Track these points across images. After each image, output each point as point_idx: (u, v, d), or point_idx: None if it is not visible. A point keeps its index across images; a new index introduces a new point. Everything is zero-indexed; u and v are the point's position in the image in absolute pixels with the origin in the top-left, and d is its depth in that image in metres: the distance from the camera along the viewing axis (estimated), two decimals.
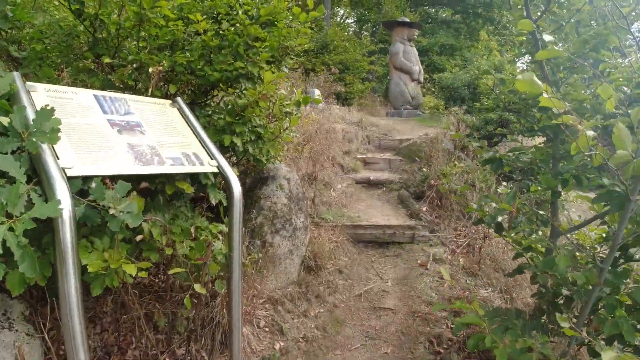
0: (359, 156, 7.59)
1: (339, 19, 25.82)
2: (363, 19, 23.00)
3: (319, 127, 7.20)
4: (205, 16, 3.05)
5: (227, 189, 2.34)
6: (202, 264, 2.32)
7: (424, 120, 11.57)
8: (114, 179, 2.02)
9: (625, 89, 2.17)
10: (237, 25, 2.87)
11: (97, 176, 1.95)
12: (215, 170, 2.34)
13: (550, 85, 1.77)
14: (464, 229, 5.43)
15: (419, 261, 4.65)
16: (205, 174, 2.52)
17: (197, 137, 2.48)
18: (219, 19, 3.11)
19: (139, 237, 2.17)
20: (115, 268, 2.07)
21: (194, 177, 2.57)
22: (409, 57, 12.65)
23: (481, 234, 5.18)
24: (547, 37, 1.88)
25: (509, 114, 6.64)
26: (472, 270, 4.59)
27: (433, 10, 22.06)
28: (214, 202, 2.54)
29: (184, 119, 2.57)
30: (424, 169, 6.22)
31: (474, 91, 11.46)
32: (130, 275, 2.05)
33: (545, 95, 1.39)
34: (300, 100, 3.34)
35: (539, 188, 3.19)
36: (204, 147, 2.43)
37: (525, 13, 2.42)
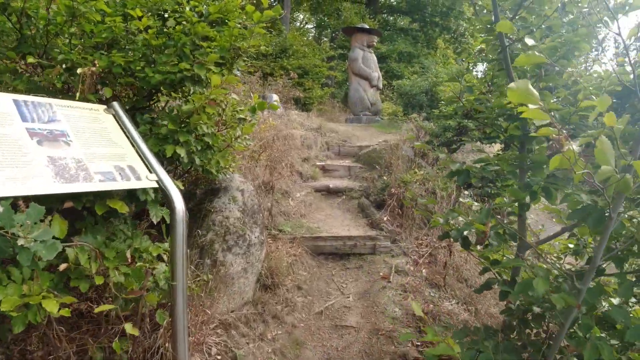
0: (318, 163, 7.38)
1: (298, 24, 25.71)
2: (322, 25, 22.98)
3: (276, 133, 6.95)
4: (150, 13, 2.75)
5: (168, 206, 2.06)
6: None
7: (383, 126, 11.55)
8: (30, 199, 1.71)
9: (595, 98, 2.06)
10: (184, 23, 2.59)
11: (7, 198, 1.63)
12: (155, 185, 2.06)
13: None
14: (425, 237, 5.32)
15: (381, 274, 4.48)
16: (144, 189, 2.22)
17: (134, 147, 2.18)
18: (165, 16, 2.81)
19: (62, 266, 1.85)
20: (36, 303, 1.76)
21: (132, 192, 2.27)
22: (368, 63, 12.62)
23: (443, 243, 5.09)
24: (529, 41, 1.73)
25: (467, 121, 6.64)
26: (435, 281, 4.47)
27: (391, 18, 22.32)
28: (155, 220, 2.25)
29: (120, 126, 2.26)
30: (384, 177, 6.09)
31: (432, 98, 11.57)
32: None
33: (532, 106, 1.22)
34: (256, 105, 3.13)
35: (505, 200, 3.09)
36: (142, 159, 2.14)
37: (493, 18, 2.28)
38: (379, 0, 21.58)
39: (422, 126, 7.80)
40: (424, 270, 4.61)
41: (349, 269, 4.62)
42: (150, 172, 2.07)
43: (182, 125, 2.45)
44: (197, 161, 2.54)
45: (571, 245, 2.90)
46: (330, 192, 6.50)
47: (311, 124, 9.57)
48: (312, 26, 28.21)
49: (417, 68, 18.53)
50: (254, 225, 3.52)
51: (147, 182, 2.03)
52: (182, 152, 2.36)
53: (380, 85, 13.12)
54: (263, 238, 3.67)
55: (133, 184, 1.98)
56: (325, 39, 25.36)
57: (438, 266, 4.73)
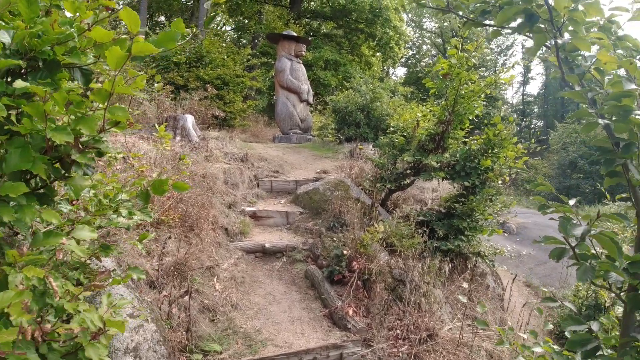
0: (247, 209, 5.86)
1: (214, 25, 23.70)
2: (242, 27, 21.20)
3: (192, 177, 5.33)
4: None
5: None
6: None
7: (317, 147, 10.25)
8: None
9: None
10: None
11: None
12: None
13: None
14: (399, 323, 4.05)
15: None
16: None
17: None
18: None
19: None
20: None
21: None
22: (297, 75, 11.26)
23: (423, 333, 3.86)
24: None
25: (429, 157, 5.49)
26: None
27: (316, 24, 21.14)
28: None
29: None
30: (337, 240, 4.72)
31: (369, 115, 10.48)
32: None
33: None
34: (150, 190, 1.76)
35: None
36: None
37: None
38: (302, 5, 20.32)
39: (372, 159, 6.57)
40: None
41: None
42: None
43: None
44: None
45: None
46: (266, 253, 5.03)
47: (235, 150, 8.00)
48: (230, 28, 26.30)
49: (341, 78, 17.47)
50: None
51: None
52: None
53: (311, 100, 11.81)
54: None
55: None
56: (244, 40, 23.54)
57: None
